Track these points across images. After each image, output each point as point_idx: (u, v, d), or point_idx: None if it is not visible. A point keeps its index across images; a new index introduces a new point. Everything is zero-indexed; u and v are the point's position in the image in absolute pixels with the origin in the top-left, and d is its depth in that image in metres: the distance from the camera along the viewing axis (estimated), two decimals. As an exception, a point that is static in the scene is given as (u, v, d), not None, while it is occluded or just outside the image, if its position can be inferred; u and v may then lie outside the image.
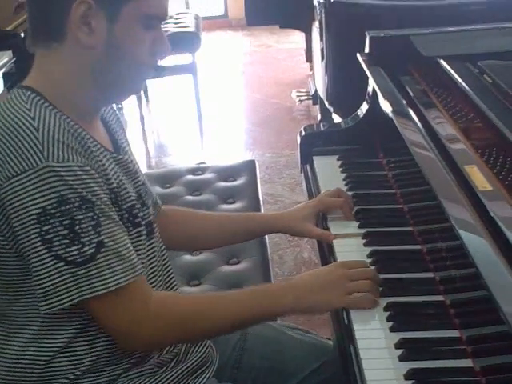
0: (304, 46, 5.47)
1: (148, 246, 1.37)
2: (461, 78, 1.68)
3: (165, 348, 1.36)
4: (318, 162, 1.99)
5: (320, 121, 4.19)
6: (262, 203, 2.42)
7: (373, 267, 1.48)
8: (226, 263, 2.09)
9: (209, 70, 5.77)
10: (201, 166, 2.70)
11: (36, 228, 1.16)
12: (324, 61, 2.89)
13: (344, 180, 1.87)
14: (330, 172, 1.93)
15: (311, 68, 5.40)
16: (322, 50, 2.95)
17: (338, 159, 1.98)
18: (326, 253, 1.62)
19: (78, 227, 1.16)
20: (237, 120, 5.04)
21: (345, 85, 2.74)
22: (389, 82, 1.85)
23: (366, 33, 2.00)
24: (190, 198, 2.43)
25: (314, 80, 4.63)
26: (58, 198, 1.15)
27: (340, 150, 2.01)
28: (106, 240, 1.18)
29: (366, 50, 2.01)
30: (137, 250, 1.32)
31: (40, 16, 1.25)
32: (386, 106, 1.80)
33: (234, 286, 1.96)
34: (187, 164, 4.07)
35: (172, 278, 1.46)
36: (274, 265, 2.22)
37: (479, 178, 1.32)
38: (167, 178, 2.56)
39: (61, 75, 1.26)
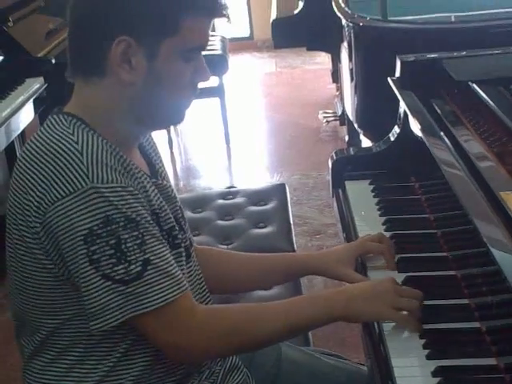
0: (330, 66, 5.50)
1: (187, 268, 1.38)
2: (494, 102, 1.67)
3: (216, 359, 1.39)
4: (350, 186, 1.99)
5: (348, 142, 4.20)
6: (292, 227, 2.42)
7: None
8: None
9: (235, 91, 5.80)
10: (231, 190, 2.70)
11: (83, 249, 1.18)
12: (353, 82, 2.90)
13: (376, 205, 1.87)
14: (362, 197, 1.93)
15: (337, 89, 5.40)
16: (351, 70, 2.95)
17: (369, 183, 1.98)
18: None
19: (123, 246, 1.18)
20: (263, 141, 5.06)
21: (374, 107, 2.75)
22: (420, 105, 1.85)
23: (397, 57, 2.00)
24: (221, 222, 2.43)
25: (341, 100, 4.64)
26: (104, 218, 1.18)
27: (371, 174, 2.01)
28: (151, 258, 1.20)
29: (397, 73, 2.01)
30: None
31: (80, 52, 1.28)
32: (416, 128, 1.80)
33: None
34: (215, 186, 4.10)
35: (210, 302, 1.46)
36: (304, 289, 2.20)
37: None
38: (198, 203, 2.56)
39: (100, 106, 1.29)
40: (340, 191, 2.02)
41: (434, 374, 1.26)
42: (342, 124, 4.67)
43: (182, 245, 1.37)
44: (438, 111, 1.81)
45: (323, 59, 6.19)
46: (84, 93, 1.30)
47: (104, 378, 1.28)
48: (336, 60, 5.26)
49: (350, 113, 3.14)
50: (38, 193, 1.21)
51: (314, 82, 6.04)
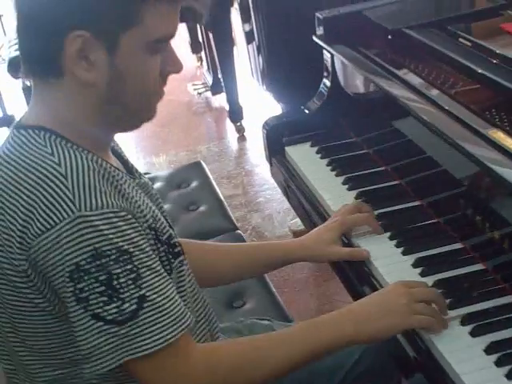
0: (186, 38, 5.37)
1: (187, 269, 1.28)
2: (439, 45, 1.65)
3: None
4: (292, 151, 1.93)
5: (229, 111, 4.13)
6: (225, 203, 2.34)
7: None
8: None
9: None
10: (147, 176, 2.57)
11: (70, 287, 1.05)
12: (255, 43, 2.78)
13: (328, 166, 1.82)
14: (309, 160, 1.87)
15: (199, 59, 5.32)
16: (247, 32, 2.85)
17: (311, 145, 1.92)
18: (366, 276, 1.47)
19: (116, 282, 1.05)
20: (138, 124, 4.88)
21: (285, 66, 2.63)
22: (357, 55, 1.81)
23: (317, 14, 1.95)
24: (150, 211, 2.31)
25: (209, 70, 4.55)
26: (92, 251, 1.04)
27: (310, 136, 1.95)
28: (148, 294, 1.08)
29: (319, 30, 1.96)
30: (182, 281, 1.24)
31: (32, 50, 1.12)
32: (356, 77, 1.77)
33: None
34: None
35: (203, 297, 1.37)
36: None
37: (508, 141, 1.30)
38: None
39: (67, 111, 1.13)
40: (281, 158, 1.95)
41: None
42: (214, 94, 4.59)
43: (180, 248, 1.26)
44: (376, 59, 1.76)
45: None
46: (45, 96, 1.14)
47: None
48: (195, 30, 5.15)
49: (254, 75, 3.00)
50: (19, 227, 1.06)
51: (171, 56, 5.90)
